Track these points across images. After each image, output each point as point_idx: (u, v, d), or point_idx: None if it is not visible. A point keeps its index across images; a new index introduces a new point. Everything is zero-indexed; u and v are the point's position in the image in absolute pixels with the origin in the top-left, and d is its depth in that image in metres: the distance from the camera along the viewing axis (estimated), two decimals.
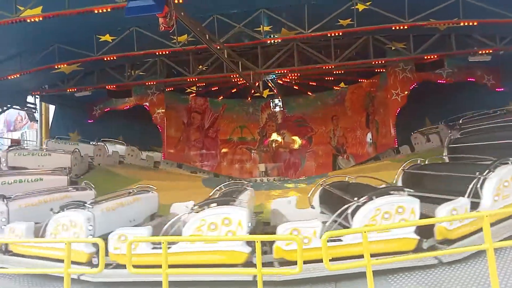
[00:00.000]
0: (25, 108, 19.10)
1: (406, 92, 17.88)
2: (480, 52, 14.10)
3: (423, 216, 5.93)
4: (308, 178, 19.03)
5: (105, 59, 13.80)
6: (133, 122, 21.34)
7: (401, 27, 12.13)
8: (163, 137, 20.53)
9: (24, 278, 6.22)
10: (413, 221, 5.69)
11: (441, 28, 13.29)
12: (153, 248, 5.79)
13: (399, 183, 8.69)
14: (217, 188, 8.79)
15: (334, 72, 19.10)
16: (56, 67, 14.18)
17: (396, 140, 18.34)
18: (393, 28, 12.29)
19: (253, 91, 21.57)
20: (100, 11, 9.56)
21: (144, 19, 9.20)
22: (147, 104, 20.39)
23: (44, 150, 15.75)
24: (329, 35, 13.05)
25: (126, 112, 20.92)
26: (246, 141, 24.53)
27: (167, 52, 14.21)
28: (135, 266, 4.70)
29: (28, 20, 9.76)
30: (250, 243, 5.62)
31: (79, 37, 12.72)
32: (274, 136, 24.55)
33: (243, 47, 15.10)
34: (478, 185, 6.24)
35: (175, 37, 12.73)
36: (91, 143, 18.53)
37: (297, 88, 22.84)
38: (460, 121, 10.99)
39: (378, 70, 19.25)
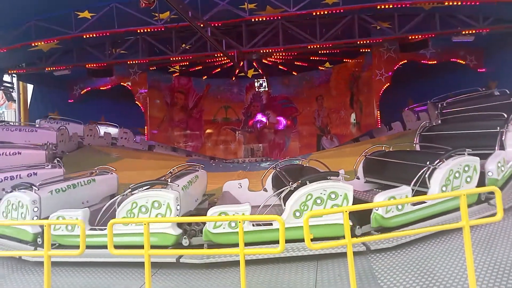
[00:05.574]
0: (2, 88, 18.48)
1: (390, 73, 17.95)
2: (463, 32, 14.17)
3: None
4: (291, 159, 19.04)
5: (85, 36, 13.40)
6: (115, 102, 20.86)
7: (387, 6, 12.05)
8: (146, 117, 20.26)
9: None
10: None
11: (426, 7, 13.25)
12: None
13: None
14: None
15: (320, 52, 19.04)
16: (33, 44, 13.69)
17: (380, 120, 18.50)
18: (378, 7, 12.20)
19: (237, 71, 21.32)
20: None
21: None
22: (129, 83, 20.00)
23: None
24: (314, 14, 12.87)
25: (108, 91, 20.44)
26: (231, 121, 24.40)
27: (148, 30, 13.85)
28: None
29: None
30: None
31: (57, 13, 12.27)
32: (259, 116, 24.45)
33: (227, 25, 14.79)
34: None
35: (157, 14, 12.39)
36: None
37: (282, 68, 22.66)
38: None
39: (363, 50, 19.20)
